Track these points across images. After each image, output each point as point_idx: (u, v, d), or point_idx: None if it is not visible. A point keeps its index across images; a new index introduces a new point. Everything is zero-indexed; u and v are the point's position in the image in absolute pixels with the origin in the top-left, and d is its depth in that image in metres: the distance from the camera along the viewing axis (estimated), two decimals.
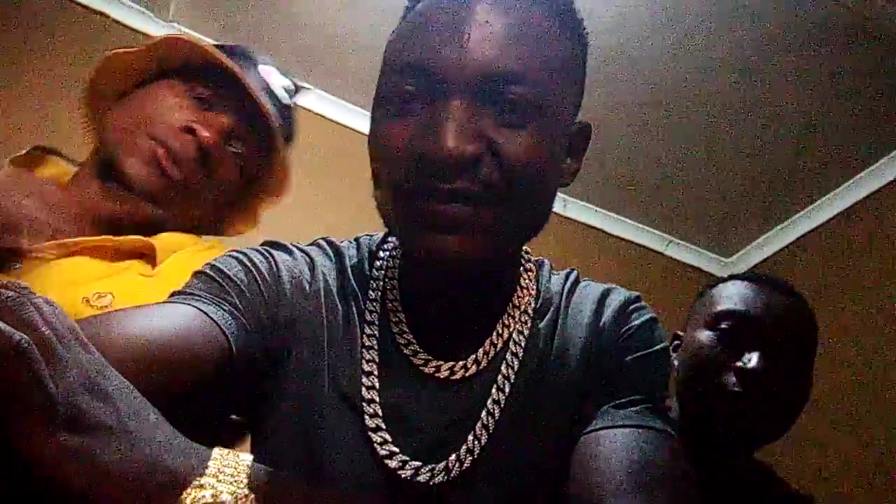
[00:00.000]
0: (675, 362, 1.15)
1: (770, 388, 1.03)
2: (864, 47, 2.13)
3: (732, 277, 1.17)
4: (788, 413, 1.08)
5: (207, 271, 0.67)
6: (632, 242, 2.96)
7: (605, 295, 0.74)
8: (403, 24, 0.66)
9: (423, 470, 0.63)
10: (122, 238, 0.87)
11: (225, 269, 0.67)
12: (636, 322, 0.71)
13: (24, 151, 0.98)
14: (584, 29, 0.69)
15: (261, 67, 0.97)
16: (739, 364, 1.03)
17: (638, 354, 0.70)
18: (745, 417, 1.03)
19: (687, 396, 1.09)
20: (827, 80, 2.25)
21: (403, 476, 0.62)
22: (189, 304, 0.61)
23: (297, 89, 1.04)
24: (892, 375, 2.23)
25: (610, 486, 0.58)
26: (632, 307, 0.73)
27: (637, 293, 0.76)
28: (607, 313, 0.72)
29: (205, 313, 0.60)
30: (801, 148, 2.50)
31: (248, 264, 0.68)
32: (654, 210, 2.88)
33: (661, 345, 0.72)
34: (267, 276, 0.68)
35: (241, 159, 0.95)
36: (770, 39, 2.17)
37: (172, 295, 0.64)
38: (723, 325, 1.08)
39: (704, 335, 1.10)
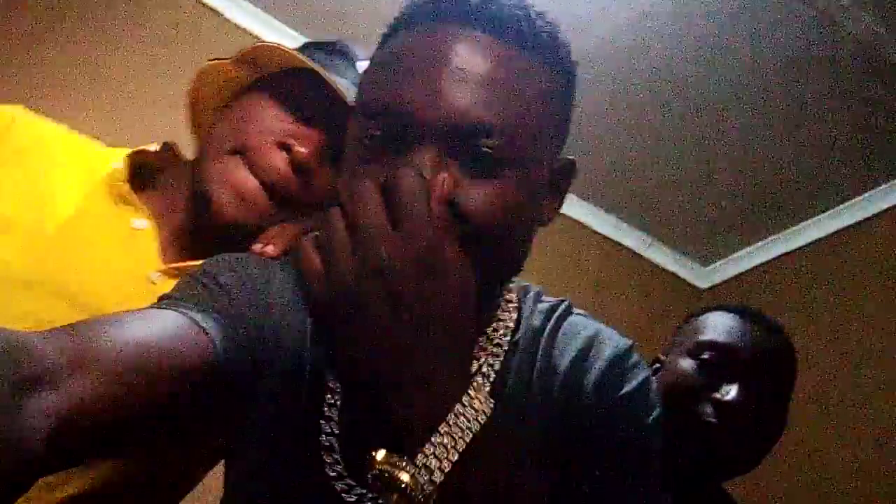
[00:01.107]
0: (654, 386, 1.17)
1: (746, 421, 1.03)
2: (863, 75, 2.15)
3: (720, 308, 1.17)
4: (761, 448, 1.08)
5: (198, 276, 0.64)
6: (612, 240, 2.97)
7: (591, 341, 0.68)
8: (376, 60, 0.63)
9: (367, 498, 0.60)
10: None
11: (216, 276, 0.64)
12: (629, 388, 0.66)
13: (153, 146, 0.91)
14: (570, 58, 0.64)
15: (360, 64, 0.89)
16: (717, 395, 1.03)
17: (638, 428, 0.66)
18: (718, 449, 1.03)
19: (664, 423, 1.12)
20: (824, 106, 2.27)
21: (348, 500, 0.60)
22: (177, 311, 0.58)
23: None
24: (848, 403, 2.30)
25: None
26: (625, 366, 0.68)
27: (628, 344, 0.70)
28: (594, 371, 0.66)
29: (192, 320, 0.58)
30: (791, 170, 2.53)
31: (241, 272, 0.66)
32: (638, 210, 2.90)
33: (657, 411, 0.68)
34: (258, 285, 0.66)
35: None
36: (771, 61, 2.19)
37: (161, 299, 0.62)
38: (704, 356, 1.09)
39: (686, 363, 1.10)
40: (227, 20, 2.38)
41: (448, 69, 0.55)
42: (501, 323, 0.68)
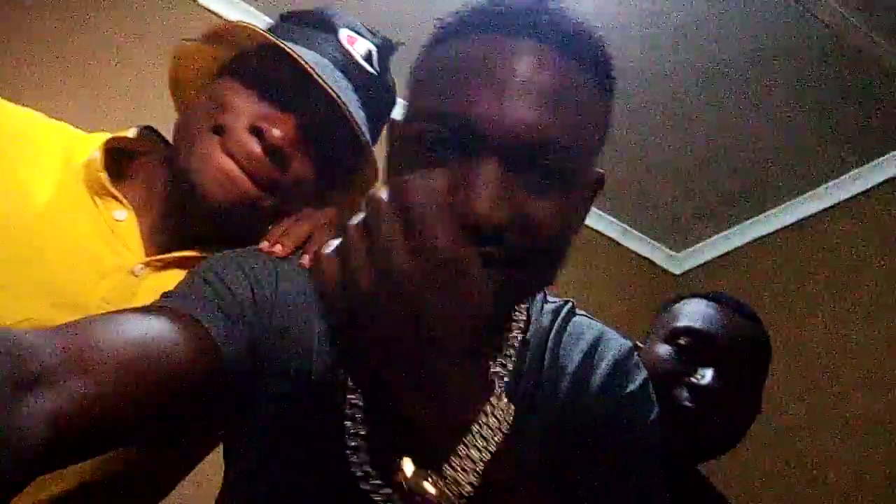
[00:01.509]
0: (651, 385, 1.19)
1: (721, 405, 1.05)
2: (840, 65, 2.18)
3: (695, 296, 1.20)
4: (736, 431, 1.11)
5: (202, 274, 0.64)
6: (588, 227, 3.00)
7: (596, 342, 0.71)
8: (433, 64, 0.62)
9: (393, 498, 0.61)
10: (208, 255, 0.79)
11: (221, 273, 0.64)
12: (633, 387, 0.69)
13: (131, 132, 0.87)
14: (614, 73, 0.66)
15: (342, 33, 0.84)
16: (693, 380, 1.06)
17: (641, 425, 0.68)
18: (694, 432, 1.05)
19: None
20: (800, 93, 2.30)
21: (377, 500, 0.61)
22: (181, 310, 0.58)
23: (384, 48, 0.89)
24: (819, 388, 2.36)
25: None
26: (628, 366, 0.71)
27: (630, 344, 0.74)
28: (599, 371, 0.69)
29: (196, 319, 0.58)
30: (765, 157, 2.57)
31: (247, 270, 0.66)
32: (614, 198, 2.93)
33: (656, 410, 0.70)
34: (262, 282, 0.66)
35: (320, 156, 0.83)
36: (740, 48, 2.21)
37: (164, 297, 0.62)
38: (680, 341, 1.11)
39: (663, 349, 1.13)
40: (202, 6, 2.35)
41: (514, 80, 0.55)
42: (515, 324, 0.70)
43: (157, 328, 0.54)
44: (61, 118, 0.88)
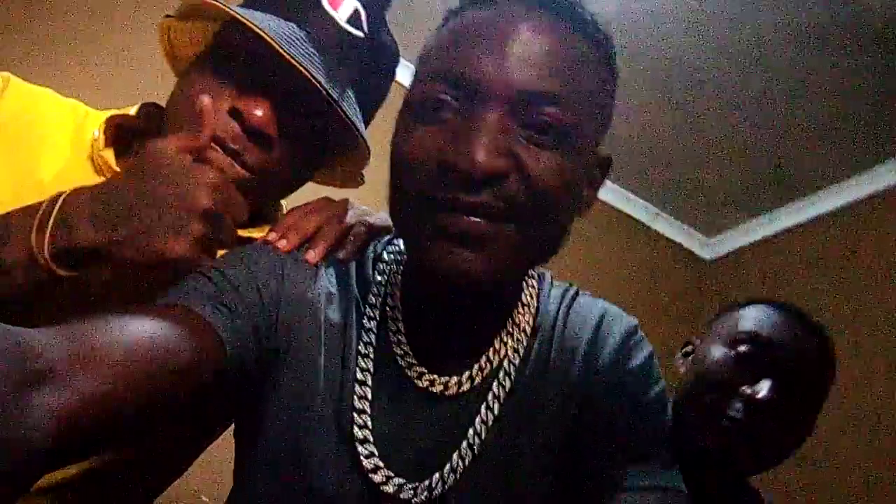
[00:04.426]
0: (683, 369, 1.12)
1: (774, 421, 0.98)
2: (878, 53, 2.11)
3: (764, 301, 1.11)
4: (782, 452, 1.03)
5: (206, 272, 0.65)
6: (619, 210, 2.96)
7: (601, 320, 0.73)
8: (442, 33, 0.65)
9: (406, 487, 0.63)
10: None
11: (225, 270, 0.65)
12: (637, 362, 0.71)
13: (133, 109, 0.87)
14: (615, 54, 0.67)
15: None
16: (749, 392, 0.98)
17: (644, 401, 0.70)
18: (736, 446, 0.98)
19: (688, 409, 1.04)
20: (836, 81, 2.23)
21: (386, 491, 0.62)
22: (185, 306, 0.59)
23: (372, 5, 0.83)
24: (852, 380, 2.30)
25: None
26: (631, 343, 0.72)
27: (635, 322, 0.75)
28: (607, 349, 0.71)
29: (200, 316, 0.59)
30: (800, 144, 2.50)
31: (250, 265, 0.67)
32: (645, 181, 2.88)
33: (661, 385, 0.72)
34: (267, 278, 0.67)
35: (305, 133, 0.82)
36: (776, 32, 2.14)
37: (169, 294, 0.63)
38: (742, 348, 1.03)
39: (720, 352, 1.05)
40: None
41: (516, 43, 0.59)
42: (525, 308, 0.71)
43: (162, 325, 0.54)
44: (78, 95, 0.89)
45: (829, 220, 2.65)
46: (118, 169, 0.81)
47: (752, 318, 1.06)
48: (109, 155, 0.81)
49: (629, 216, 2.99)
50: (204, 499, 1.70)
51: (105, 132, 0.82)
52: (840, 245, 2.57)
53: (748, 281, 2.91)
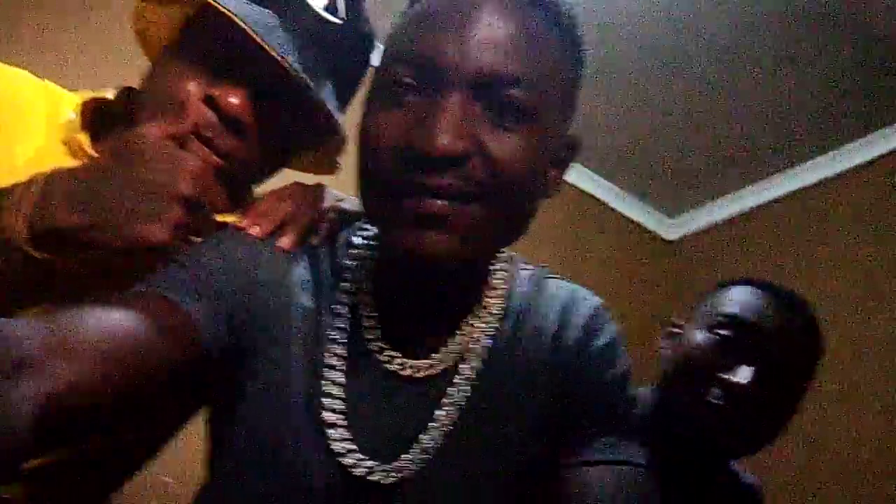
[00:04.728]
0: (669, 352, 1.10)
1: (755, 407, 0.96)
2: (843, 39, 2.16)
3: (749, 282, 1.08)
4: (767, 434, 1.01)
5: (182, 259, 0.65)
6: (581, 190, 2.99)
7: (569, 302, 0.75)
8: (406, 17, 0.65)
9: (377, 468, 0.64)
10: None
11: (200, 258, 0.65)
12: (601, 341, 0.73)
13: (110, 93, 0.85)
14: (583, 39, 0.68)
15: None
16: (729, 377, 0.96)
17: (607, 378, 0.72)
18: (719, 432, 0.97)
19: (670, 394, 1.04)
20: (799, 65, 2.28)
21: (357, 474, 0.64)
22: (161, 295, 0.60)
23: None
24: None
25: None
26: (596, 322, 0.74)
27: (600, 301, 0.77)
28: (573, 329, 0.73)
29: (176, 304, 0.59)
30: (762, 125, 2.55)
31: (224, 252, 0.67)
32: (608, 161, 2.91)
33: (626, 364, 0.74)
34: (242, 265, 0.67)
35: (280, 120, 0.82)
36: (753, 18, 2.18)
37: (145, 282, 0.63)
38: (723, 332, 1.00)
39: (702, 337, 1.03)
40: None
41: (478, 26, 0.59)
42: (495, 291, 0.72)
43: (139, 314, 0.55)
44: (51, 77, 0.88)
45: (791, 201, 2.71)
46: (93, 152, 0.80)
47: (735, 300, 1.04)
48: (85, 138, 0.81)
49: (593, 197, 3.02)
50: (166, 479, 1.70)
51: (81, 115, 0.82)
52: (802, 225, 2.63)
53: (711, 261, 2.97)
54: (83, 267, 0.74)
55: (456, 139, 0.56)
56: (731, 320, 1.01)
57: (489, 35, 0.59)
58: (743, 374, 0.96)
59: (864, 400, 2.18)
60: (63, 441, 0.49)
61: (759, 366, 0.97)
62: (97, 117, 0.85)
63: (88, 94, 0.84)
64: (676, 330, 1.13)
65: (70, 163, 0.80)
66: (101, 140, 0.84)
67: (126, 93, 0.87)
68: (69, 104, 0.83)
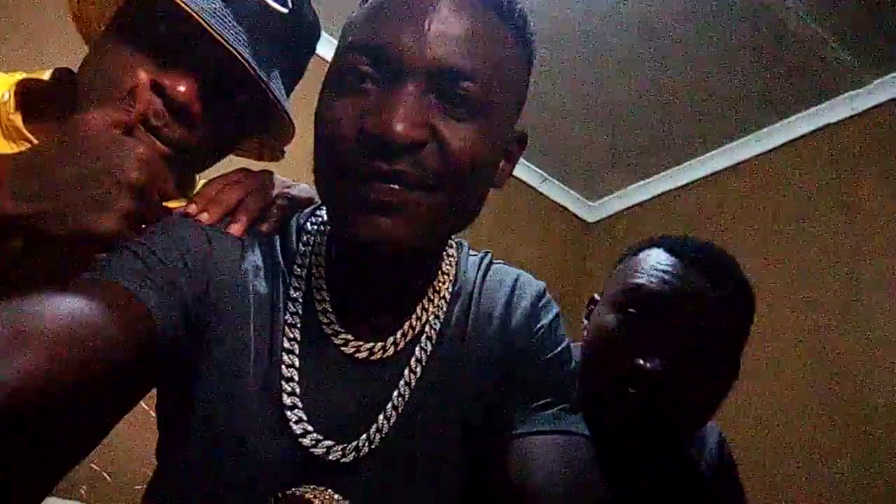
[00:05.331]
0: (585, 334, 0.96)
1: (671, 392, 0.83)
2: (754, 26, 2.25)
3: (662, 244, 0.92)
4: (694, 416, 0.89)
5: (132, 246, 0.64)
6: (511, 175, 3.04)
7: (514, 286, 0.79)
8: (365, 7, 0.67)
9: (334, 448, 0.66)
10: None
11: (151, 245, 0.65)
12: (545, 321, 0.77)
13: (46, 74, 0.83)
14: (533, 37, 0.72)
15: None
16: (639, 362, 0.83)
17: (549, 356, 0.76)
18: (641, 422, 0.84)
19: (586, 384, 0.84)
20: (714, 52, 2.37)
21: (316, 453, 0.65)
22: (114, 283, 0.59)
23: None
24: None
25: (541, 491, 0.66)
26: (540, 304, 0.78)
27: (543, 285, 0.81)
28: (518, 312, 0.77)
29: (129, 292, 0.59)
30: (679, 111, 2.65)
31: (176, 239, 0.67)
32: (534, 146, 2.96)
33: (567, 342, 0.79)
34: (194, 251, 0.67)
35: (227, 108, 0.80)
36: (674, 5, 2.25)
37: (96, 270, 0.62)
38: (631, 309, 0.87)
39: (609, 318, 0.89)
40: None
41: (436, 20, 0.62)
42: (445, 276, 0.75)
43: (92, 302, 0.55)
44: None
45: (705, 185, 2.83)
46: (27, 133, 0.78)
47: (647, 268, 0.89)
48: (18, 119, 0.78)
49: (519, 179, 3.09)
50: (94, 467, 1.67)
51: (15, 95, 0.79)
52: (715, 208, 2.75)
53: (628, 241, 3.05)
54: (30, 256, 0.73)
55: (412, 127, 0.59)
56: (638, 294, 0.87)
57: (446, 29, 0.61)
58: (653, 357, 0.83)
59: (770, 381, 2.26)
60: (26, 430, 0.48)
61: (672, 348, 0.83)
62: (30, 98, 0.82)
63: (22, 75, 0.81)
64: (593, 306, 1.00)
65: (3, 144, 0.78)
66: (34, 122, 0.81)
67: (64, 74, 0.84)
68: (2, 84, 0.80)
